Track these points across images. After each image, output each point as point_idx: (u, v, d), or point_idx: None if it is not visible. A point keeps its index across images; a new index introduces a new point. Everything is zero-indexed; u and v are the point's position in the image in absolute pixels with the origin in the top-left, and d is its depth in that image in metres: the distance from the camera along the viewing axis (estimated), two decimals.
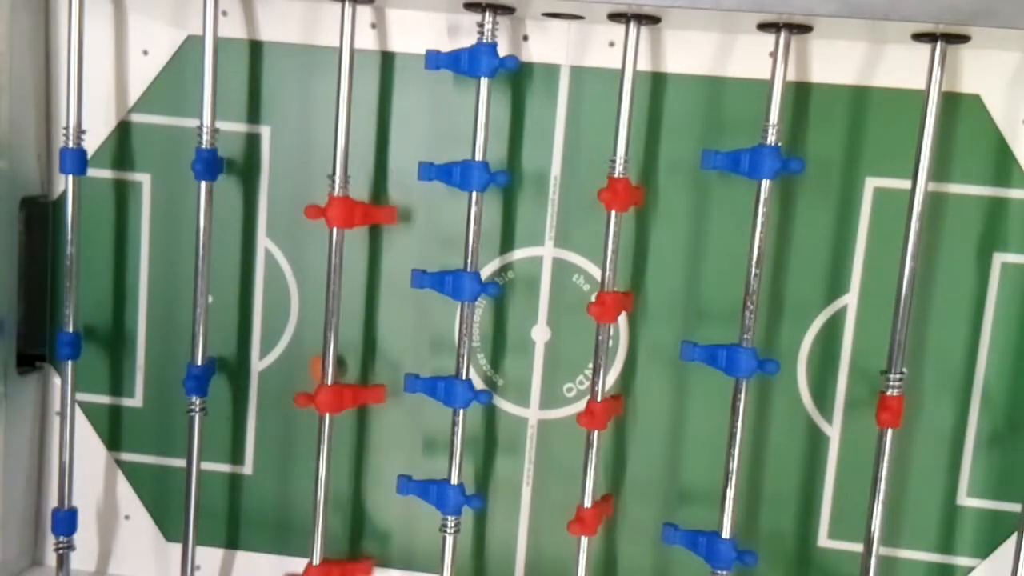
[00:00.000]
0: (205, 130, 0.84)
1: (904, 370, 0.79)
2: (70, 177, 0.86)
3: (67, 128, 0.86)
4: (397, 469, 0.90)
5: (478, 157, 0.81)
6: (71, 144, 0.86)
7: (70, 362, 0.89)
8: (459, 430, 0.85)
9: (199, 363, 0.87)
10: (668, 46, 0.84)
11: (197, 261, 0.86)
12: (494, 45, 0.80)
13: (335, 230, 0.83)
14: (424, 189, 0.86)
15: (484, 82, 0.80)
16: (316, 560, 0.88)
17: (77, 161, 0.86)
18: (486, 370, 0.91)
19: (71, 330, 0.88)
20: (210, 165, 0.85)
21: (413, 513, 0.92)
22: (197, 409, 0.88)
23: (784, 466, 0.88)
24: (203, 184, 0.85)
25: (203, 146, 0.84)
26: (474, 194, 0.81)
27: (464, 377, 0.84)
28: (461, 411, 0.84)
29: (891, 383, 0.79)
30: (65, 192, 0.87)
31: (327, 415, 0.86)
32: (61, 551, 0.91)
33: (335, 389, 0.86)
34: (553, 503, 0.91)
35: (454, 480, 0.85)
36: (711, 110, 0.85)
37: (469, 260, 0.83)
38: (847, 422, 0.87)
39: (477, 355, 0.90)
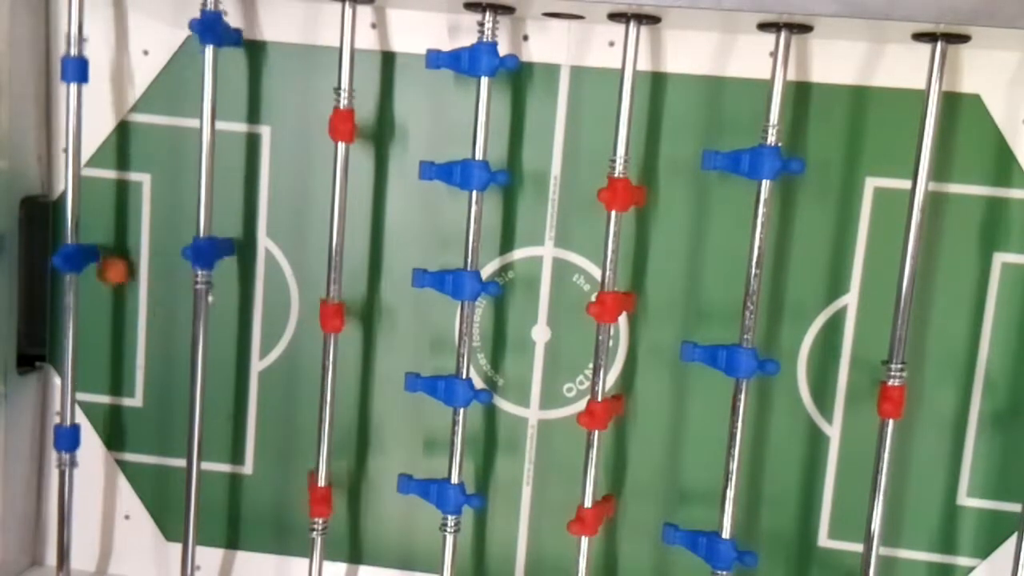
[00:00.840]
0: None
1: (904, 362, 0.79)
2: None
3: (68, 35, 0.83)
4: (397, 468, 0.90)
5: (478, 157, 0.81)
6: (73, 52, 0.83)
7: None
8: (459, 430, 0.85)
9: (202, 235, 0.85)
10: (668, 46, 0.84)
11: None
12: (494, 45, 0.80)
13: (340, 145, 0.83)
14: (424, 189, 0.86)
15: (484, 82, 0.80)
16: (321, 482, 0.87)
17: (78, 70, 0.83)
18: (486, 370, 0.91)
19: (71, 242, 0.86)
20: (211, 27, 0.81)
21: (413, 513, 0.92)
22: (203, 283, 0.85)
23: (784, 466, 0.88)
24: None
25: (207, 9, 0.82)
26: (474, 194, 0.81)
27: (464, 377, 0.84)
28: (461, 411, 0.84)
29: (892, 373, 0.79)
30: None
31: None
32: (63, 468, 0.89)
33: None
34: (553, 503, 0.91)
35: (454, 479, 0.85)
36: (711, 110, 0.85)
37: (469, 260, 0.83)
38: (847, 422, 0.87)
39: (477, 355, 0.90)
